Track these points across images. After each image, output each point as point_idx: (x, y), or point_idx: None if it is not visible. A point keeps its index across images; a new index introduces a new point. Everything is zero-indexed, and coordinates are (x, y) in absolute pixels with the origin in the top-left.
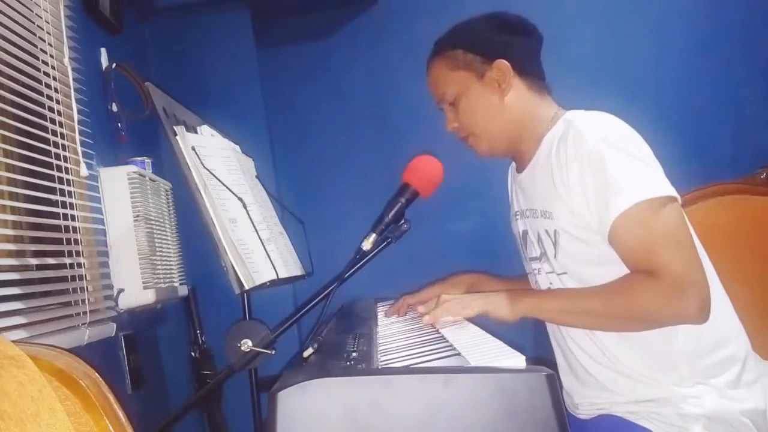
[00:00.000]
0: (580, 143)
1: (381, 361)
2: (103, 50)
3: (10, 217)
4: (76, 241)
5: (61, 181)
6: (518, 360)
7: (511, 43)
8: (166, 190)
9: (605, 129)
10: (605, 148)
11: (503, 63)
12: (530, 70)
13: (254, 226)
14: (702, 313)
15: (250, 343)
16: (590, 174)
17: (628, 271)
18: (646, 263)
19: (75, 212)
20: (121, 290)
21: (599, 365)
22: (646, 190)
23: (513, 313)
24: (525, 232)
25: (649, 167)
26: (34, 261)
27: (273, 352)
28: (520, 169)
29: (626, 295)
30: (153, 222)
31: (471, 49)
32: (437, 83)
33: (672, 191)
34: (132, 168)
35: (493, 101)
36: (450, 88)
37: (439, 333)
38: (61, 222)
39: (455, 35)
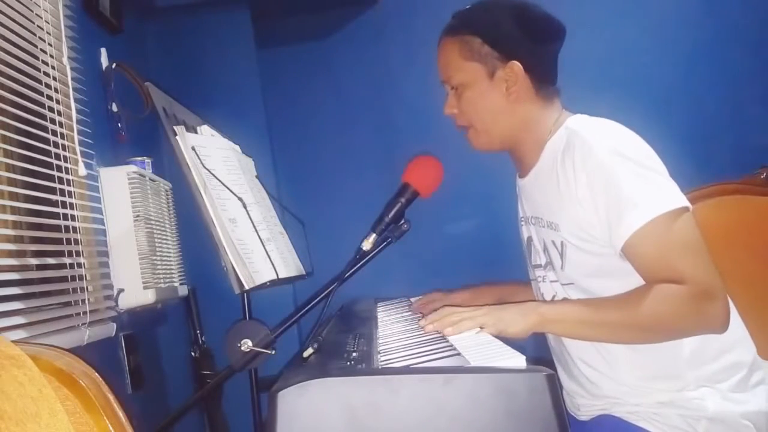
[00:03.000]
0: (589, 155)
1: (381, 361)
2: (103, 50)
3: (10, 217)
4: (76, 241)
5: (61, 181)
6: (518, 360)
7: (531, 45)
8: (166, 190)
9: (613, 139)
10: (616, 160)
11: (517, 66)
12: (544, 74)
13: (254, 226)
14: (725, 323)
15: (250, 343)
16: (601, 187)
17: (636, 282)
18: (667, 274)
19: (75, 212)
20: (121, 290)
21: (604, 376)
22: (661, 204)
23: (523, 328)
24: (529, 239)
25: (660, 177)
26: (34, 261)
27: (273, 352)
28: (521, 174)
29: (655, 304)
30: (153, 222)
31: (489, 41)
32: (447, 66)
33: (685, 201)
34: (132, 168)
35: (498, 101)
36: (458, 74)
37: (440, 333)
38: (61, 222)
39: (477, 20)
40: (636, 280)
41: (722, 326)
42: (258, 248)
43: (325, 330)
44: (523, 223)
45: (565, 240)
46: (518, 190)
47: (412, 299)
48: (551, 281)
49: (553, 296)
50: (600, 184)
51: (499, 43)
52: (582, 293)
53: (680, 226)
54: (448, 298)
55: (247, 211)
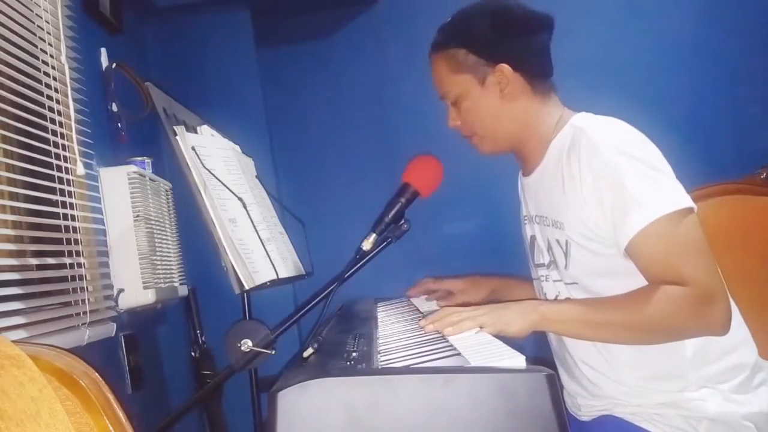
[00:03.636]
0: (594, 154)
1: (381, 361)
2: (103, 50)
3: (10, 217)
4: (76, 241)
5: (61, 181)
6: (518, 360)
7: (516, 45)
8: (166, 190)
9: (620, 138)
10: (622, 159)
11: (506, 68)
12: (535, 70)
13: (254, 226)
14: (726, 326)
15: (250, 343)
16: (606, 186)
17: (640, 282)
18: (669, 275)
19: (75, 212)
20: (121, 290)
21: (605, 377)
22: (666, 204)
23: (523, 327)
24: (533, 238)
25: (666, 177)
26: (34, 261)
27: (273, 352)
28: (526, 173)
29: (655, 305)
30: (153, 222)
31: (474, 50)
32: (440, 82)
33: (690, 202)
34: (132, 168)
35: (496, 105)
36: (452, 89)
37: (440, 333)
38: (61, 222)
39: (458, 32)
40: (640, 281)
41: (723, 329)
42: (258, 248)
43: (325, 330)
44: (526, 221)
45: (570, 239)
46: (522, 188)
47: (412, 299)
48: (554, 281)
49: (556, 296)
50: (606, 182)
51: (483, 49)
52: (585, 293)
53: (684, 227)
54: (441, 283)
55: (247, 211)
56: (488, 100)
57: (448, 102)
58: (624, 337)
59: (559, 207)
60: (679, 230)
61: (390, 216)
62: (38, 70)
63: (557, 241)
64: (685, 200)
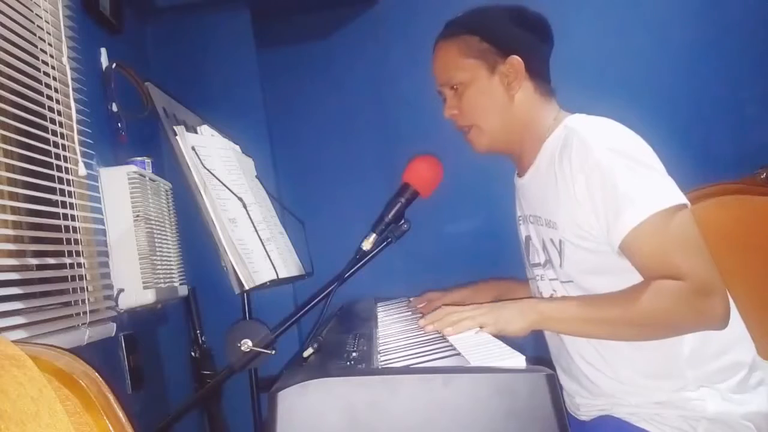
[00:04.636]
0: (586, 153)
1: (381, 361)
2: (103, 50)
3: (10, 217)
4: (76, 241)
5: (61, 181)
6: (518, 360)
7: (528, 42)
8: (166, 190)
9: (611, 137)
10: (613, 157)
11: (517, 60)
12: (540, 72)
13: (254, 226)
14: (725, 319)
15: (250, 343)
16: (598, 185)
17: (635, 279)
18: (666, 270)
19: (75, 212)
20: (121, 290)
21: (603, 375)
22: (658, 201)
23: (523, 326)
24: (528, 238)
25: (658, 175)
26: (34, 261)
27: (273, 352)
28: (520, 174)
29: (653, 300)
30: (153, 222)
31: (488, 38)
32: (446, 66)
33: (683, 198)
34: (132, 168)
35: (500, 97)
36: (458, 74)
37: (439, 333)
38: (61, 222)
39: (474, 20)
40: (635, 277)
41: (721, 322)
42: (258, 248)
43: (325, 330)
44: (521, 222)
45: (564, 238)
46: (516, 189)
47: (412, 299)
48: (550, 279)
49: (552, 294)
50: (597, 182)
51: (498, 38)
52: (581, 291)
53: (677, 222)
54: (446, 296)
55: (247, 211)
56: (493, 90)
57: (448, 90)
58: (624, 334)
59: (552, 207)
60: (672, 226)
61: (390, 216)
62: (38, 70)
63: (551, 240)
64: (677, 196)
